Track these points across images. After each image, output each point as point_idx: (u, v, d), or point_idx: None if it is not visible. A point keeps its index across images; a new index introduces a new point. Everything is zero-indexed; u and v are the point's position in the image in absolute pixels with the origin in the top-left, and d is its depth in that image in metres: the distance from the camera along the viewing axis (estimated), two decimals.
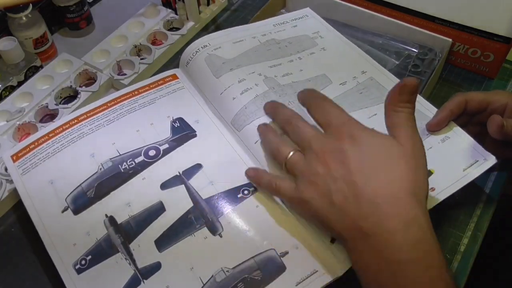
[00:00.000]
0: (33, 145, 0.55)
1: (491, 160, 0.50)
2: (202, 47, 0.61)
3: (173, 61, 0.73)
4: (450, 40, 0.66)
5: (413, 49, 0.67)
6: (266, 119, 0.53)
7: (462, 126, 0.56)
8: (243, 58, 0.60)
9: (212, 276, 0.45)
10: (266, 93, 0.56)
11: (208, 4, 0.79)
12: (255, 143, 0.52)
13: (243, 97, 0.55)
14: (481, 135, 0.56)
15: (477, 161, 0.50)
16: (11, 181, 0.57)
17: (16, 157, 0.55)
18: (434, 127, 0.54)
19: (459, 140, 0.53)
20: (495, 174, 0.59)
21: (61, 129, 0.57)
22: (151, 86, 0.61)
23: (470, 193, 0.58)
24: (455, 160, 0.51)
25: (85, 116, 0.58)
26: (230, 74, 0.57)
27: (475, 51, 0.68)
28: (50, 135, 0.56)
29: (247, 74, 0.58)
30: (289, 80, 0.58)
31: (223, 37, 0.62)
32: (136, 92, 0.60)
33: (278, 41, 0.63)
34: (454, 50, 0.69)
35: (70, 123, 0.57)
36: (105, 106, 0.58)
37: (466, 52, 0.69)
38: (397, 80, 0.57)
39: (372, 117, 0.55)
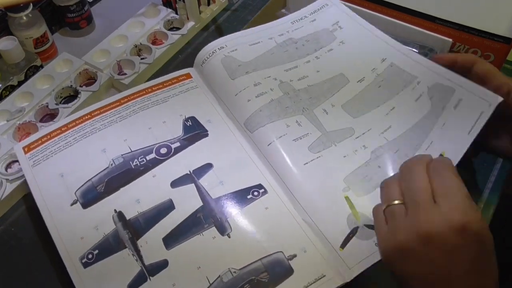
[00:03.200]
0: (46, 138, 0.56)
1: (496, 102, 0.50)
2: (219, 49, 0.61)
3: (174, 61, 0.73)
4: (450, 40, 0.66)
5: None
6: (280, 124, 0.54)
7: None
8: (259, 62, 0.60)
9: (219, 276, 0.45)
10: (281, 98, 0.57)
11: (208, 4, 0.79)
12: (268, 145, 0.53)
13: (258, 100, 0.56)
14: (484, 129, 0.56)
15: (483, 112, 0.50)
16: (11, 181, 0.57)
17: (27, 148, 0.55)
18: (437, 58, 0.57)
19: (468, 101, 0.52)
20: (495, 175, 0.59)
21: (74, 123, 0.57)
22: (164, 84, 0.61)
23: (470, 193, 0.58)
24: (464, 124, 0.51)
25: (98, 111, 0.58)
26: (245, 77, 0.58)
27: (476, 51, 0.68)
28: (63, 129, 0.57)
29: (263, 78, 0.58)
30: (305, 84, 0.58)
31: (240, 39, 0.63)
32: (149, 90, 0.60)
33: (295, 40, 0.63)
34: (455, 50, 0.69)
35: (83, 118, 0.58)
36: (118, 103, 0.59)
37: (466, 52, 0.69)
38: (416, 55, 0.59)
39: (390, 112, 0.55)
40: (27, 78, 0.67)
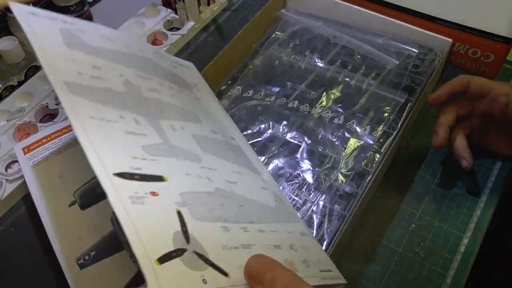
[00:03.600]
0: (46, 140, 0.56)
1: (342, 280, 0.44)
2: (62, 21, 0.48)
3: None
4: (450, 40, 0.66)
5: (413, 49, 0.67)
6: (113, 111, 0.42)
7: (465, 118, 0.56)
8: (108, 53, 0.49)
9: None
10: (121, 94, 0.45)
11: (208, 4, 0.79)
12: (90, 117, 0.40)
13: (92, 80, 0.44)
14: (483, 130, 0.57)
15: (331, 270, 0.45)
16: (11, 181, 0.57)
17: (27, 149, 0.56)
18: (434, 100, 0.55)
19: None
20: (495, 175, 0.59)
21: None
22: None
23: (470, 193, 0.58)
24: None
25: None
26: (85, 55, 0.46)
27: (475, 51, 0.68)
28: (64, 131, 0.57)
29: (107, 69, 0.46)
30: (155, 97, 0.48)
31: (92, 25, 0.52)
32: None
33: (155, 63, 0.54)
34: (454, 50, 0.69)
35: None
36: None
37: (466, 53, 0.69)
38: (260, 162, 0.54)
39: (237, 174, 0.49)
40: (27, 78, 0.67)
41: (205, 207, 0.41)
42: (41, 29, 0.45)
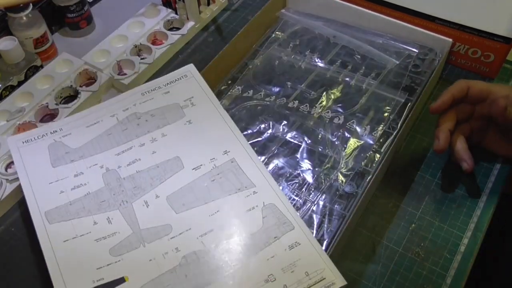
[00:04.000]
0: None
1: (340, 282, 0.46)
2: (51, 133, 0.58)
3: (174, 61, 0.73)
4: (451, 40, 0.66)
5: (413, 49, 0.67)
6: (87, 221, 0.51)
7: (465, 120, 0.56)
8: (90, 147, 0.57)
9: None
10: (100, 191, 0.53)
11: (208, 4, 0.79)
12: (64, 241, 0.50)
13: (73, 193, 0.53)
14: (482, 131, 0.57)
15: (324, 278, 0.46)
16: (11, 181, 0.57)
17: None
18: (436, 109, 0.55)
19: (309, 248, 0.48)
20: (495, 174, 0.59)
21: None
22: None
23: (470, 193, 0.58)
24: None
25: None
26: (68, 166, 0.55)
27: (476, 51, 0.68)
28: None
29: (87, 168, 0.55)
30: (134, 170, 0.55)
31: (78, 121, 0.59)
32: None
33: (139, 115, 0.59)
34: (455, 50, 0.69)
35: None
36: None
37: (466, 52, 0.69)
38: (260, 164, 0.54)
39: (215, 214, 0.51)
40: (27, 78, 0.67)
41: None
42: (31, 157, 0.56)
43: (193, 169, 0.54)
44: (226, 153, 0.55)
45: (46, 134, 0.58)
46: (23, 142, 0.58)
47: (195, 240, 0.49)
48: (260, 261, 0.47)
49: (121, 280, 0.47)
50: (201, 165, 0.55)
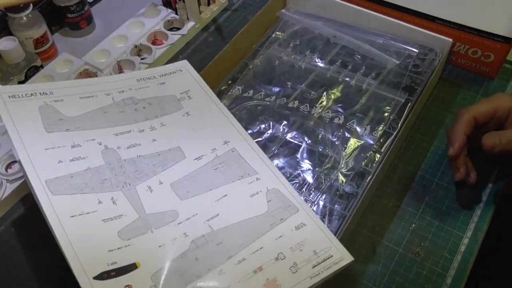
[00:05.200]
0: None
1: (348, 258, 0.47)
2: (40, 93, 0.54)
3: (174, 61, 0.73)
4: (451, 40, 0.66)
5: (413, 49, 0.67)
6: (91, 198, 0.48)
7: (472, 139, 0.55)
8: (86, 120, 0.54)
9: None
10: (100, 168, 0.50)
11: (208, 4, 0.79)
12: (71, 217, 0.46)
13: (72, 164, 0.49)
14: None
15: (331, 256, 0.47)
16: (11, 181, 0.57)
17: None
18: (456, 156, 0.54)
19: (315, 228, 0.49)
20: (495, 175, 0.59)
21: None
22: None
23: (470, 193, 0.58)
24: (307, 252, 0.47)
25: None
26: (64, 135, 0.51)
27: (476, 51, 0.68)
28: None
29: (85, 141, 0.52)
30: (134, 154, 0.52)
31: (71, 89, 0.56)
32: None
33: (136, 101, 0.57)
34: (455, 50, 0.69)
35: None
36: None
37: (466, 52, 0.69)
38: (261, 152, 0.55)
39: (221, 199, 0.51)
40: (27, 78, 0.67)
41: (176, 274, 0.45)
42: (21, 116, 0.51)
43: (195, 159, 0.54)
44: (226, 143, 0.55)
45: (35, 94, 0.53)
46: (9, 97, 0.52)
47: (202, 224, 0.49)
48: (268, 241, 0.48)
49: (133, 266, 0.45)
50: (203, 155, 0.54)
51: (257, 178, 0.53)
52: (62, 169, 0.49)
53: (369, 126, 0.60)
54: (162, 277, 0.44)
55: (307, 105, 0.63)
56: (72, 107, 0.54)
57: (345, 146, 0.58)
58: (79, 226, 0.46)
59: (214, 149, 0.55)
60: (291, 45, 0.71)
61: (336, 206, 0.53)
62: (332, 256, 0.47)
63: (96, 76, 0.68)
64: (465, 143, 0.54)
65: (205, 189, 0.51)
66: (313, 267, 0.46)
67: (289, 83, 0.66)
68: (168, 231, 0.48)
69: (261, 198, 0.51)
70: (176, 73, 0.62)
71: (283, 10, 0.76)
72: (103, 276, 0.43)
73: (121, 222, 0.47)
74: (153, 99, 0.58)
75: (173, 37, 0.74)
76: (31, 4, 0.68)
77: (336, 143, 0.59)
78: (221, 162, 0.54)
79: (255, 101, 0.64)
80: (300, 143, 0.59)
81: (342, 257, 0.47)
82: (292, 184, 0.55)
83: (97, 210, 0.47)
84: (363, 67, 0.67)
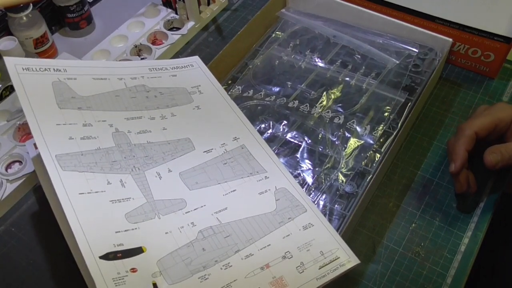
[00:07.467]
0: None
1: (354, 260, 0.47)
2: (54, 69, 0.54)
3: None
4: (451, 40, 0.66)
5: (413, 49, 0.67)
6: (101, 178, 0.47)
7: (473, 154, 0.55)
8: (98, 101, 0.54)
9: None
10: (110, 150, 0.50)
11: (208, 4, 0.79)
12: (79, 194, 0.46)
13: (83, 143, 0.50)
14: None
15: (338, 257, 0.47)
16: (11, 181, 0.57)
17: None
18: (458, 172, 0.54)
19: (321, 229, 0.49)
20: (495, 175, 0.59)
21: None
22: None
23: (470, 200, 0.58)
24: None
25: None
26: (76, 113, 0.52)
27: (476, 51, 0.68)
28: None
29: (96, 121, 0.52)
30: (144, 139, 0.53)
31: (85, 69, 0.56)
32: None
33: (148, 89, 0.58)
34: (455, 50, 0.69)
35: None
36: None
37: (466, 52, 0.69)
38: (270, 151, 0.55)
39: (230, 194, 0.51)
40: None
41: (183, 263, 0.44)
42: (34, 88, 0.51)
43: (204, 151, 0.54)
44: (236, 139, 0.56)
45: (49, 69, 0.54)
46: (23, 69, 0.52)
47: (210, 216, 0.49)
48: (276, 239, 0.48)
49: (139, 250, 0.44)
50: (212, 148, 0.55)
51: (266, 177, 0.53)
52: (72, 146, 0.49)
53: (369, 126, 0.60)
54: (168, 264, 0.44)
55: (307, 105, 0.63)
56: (85, 87, 0.54)
57: (345, 146, 0.58)
58: (87, 203, 0.45)
59: (224, 144, 0.55)
60: (291, 45, 0.71)
61: (336, 206, 0.53)
62: (338, 257, 0.47)
63: None
64: (466, 159, 0.54)
65: (214, 182, 0.52)
66: (319, 268, 0.46)
67: (289, 83, 0.66)
68: (175, 219, 0.47)
69: (270, 196, 0.51)
70: (187, 67, 0.63)
71: (283, 10, 0.76)
72: (109, 256, 0.43)
73: (129, 205, 0.47)
74: (164, 90, 0.59)
75: (173, 37, 0.74)
76: (31, 4, 0.68)
77: (336, 143, 0.59)
78: (230, 157, 0.54)
79: (255, 101, 0.64)
80: (300, 143, 0.59)
81: (348, 259, 0.47)
82: None
83: (106, 190, 0.47)
84: (363, 67, 0.67)
